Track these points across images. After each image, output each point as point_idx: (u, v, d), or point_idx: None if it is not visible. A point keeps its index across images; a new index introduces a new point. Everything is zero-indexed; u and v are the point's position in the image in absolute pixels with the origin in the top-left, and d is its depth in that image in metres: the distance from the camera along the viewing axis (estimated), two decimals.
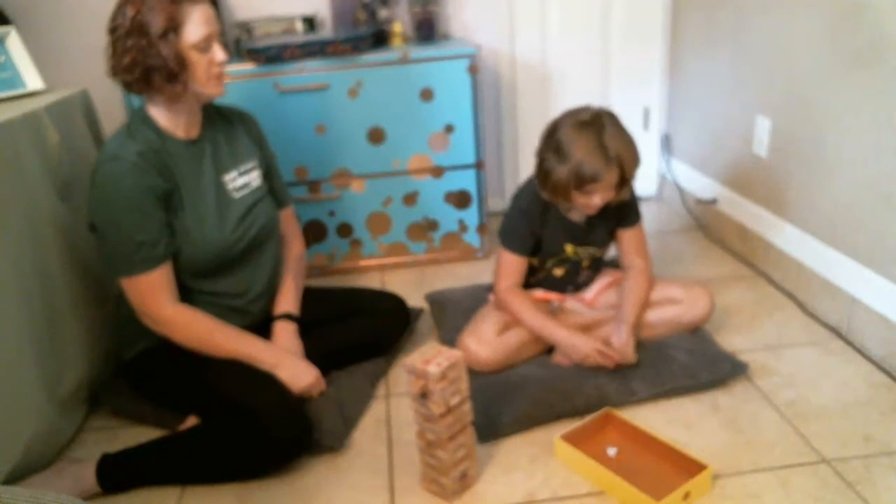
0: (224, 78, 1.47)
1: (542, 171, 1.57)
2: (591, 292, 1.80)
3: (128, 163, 1.39)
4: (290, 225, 1.77)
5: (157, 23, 1.35)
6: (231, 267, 1.55)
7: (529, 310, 1.66)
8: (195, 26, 1.38)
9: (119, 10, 1.38)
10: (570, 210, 1.67)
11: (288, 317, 1.65)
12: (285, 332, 1.63)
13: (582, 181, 1.50)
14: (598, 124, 1.52)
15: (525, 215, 1.66)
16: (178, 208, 1.46)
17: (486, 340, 1.64)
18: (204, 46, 1.40)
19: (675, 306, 1.72)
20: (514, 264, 1.69)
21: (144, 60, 1.37)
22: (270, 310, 1.66)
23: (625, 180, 1.56)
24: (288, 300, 1.67)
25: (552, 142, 1.55)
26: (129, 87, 1.42)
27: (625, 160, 1.51)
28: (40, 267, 1.48)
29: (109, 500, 1.40)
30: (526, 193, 1.68)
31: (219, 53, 1.43)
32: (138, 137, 1.42)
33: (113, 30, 1.39)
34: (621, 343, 1.60)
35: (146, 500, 1.40)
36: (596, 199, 1.55)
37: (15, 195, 1.42)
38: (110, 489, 1.41)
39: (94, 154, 1.81)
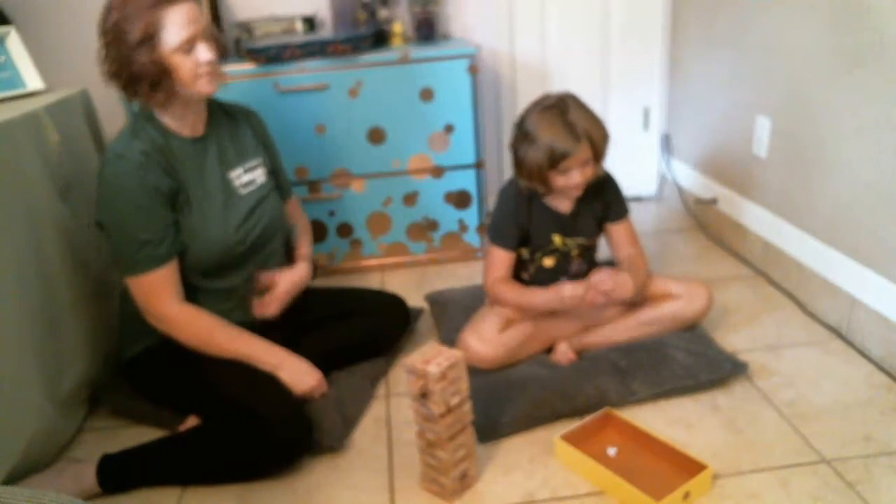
0: (217, 75, 1.44)
1: (518, 161, 1.64)
2: (588, 293, 1.79)
3: (132, 162, 1.39)
4: (295, 210, 1.80)
5: (133, 31, 1.33)
6: (237, 264, 1.55)
7: (516, 290, 1.70)
8: (175, 29, 1.35)
9: (105, 15, 1.37)
10: (554, 197, 1.70)
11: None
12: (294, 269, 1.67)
13: (555, 160, 1.56)
14: (561, 106, 1.58)
15: (510, 209, 1.70)
16: (185, 206, 1.46)
17: (487, 338, 1.65)
18: (187, 48, 1.38)
19: (674, 302, 1.72)
20: (501, 259, 1.72)
21: (127, 68, 1.36)
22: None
23: (597, 155, 1.61)
24: (303, 246, 1.75)
25: (521, 131, 1.62)
26: (122, 91, 1.42)
27: (593, 134, 1.57)
28: (40, 267, 1.48)
29: (109, 501, 1.40)
30: (510, 188, 1.72)
31: (203, 53, 1.39)
32: (142, 136, 1.43)
33: (101, 35, 1.38)
34: (617, 275, 1.62)
35: (146, 500, 1.40)
36: (575, 177, 1.59)
37: (15, 195, 1.42)
38: (110, 489, 1.41)
39: (94, 154, 1.81)
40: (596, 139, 1.58)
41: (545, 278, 1.78)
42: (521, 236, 1.72)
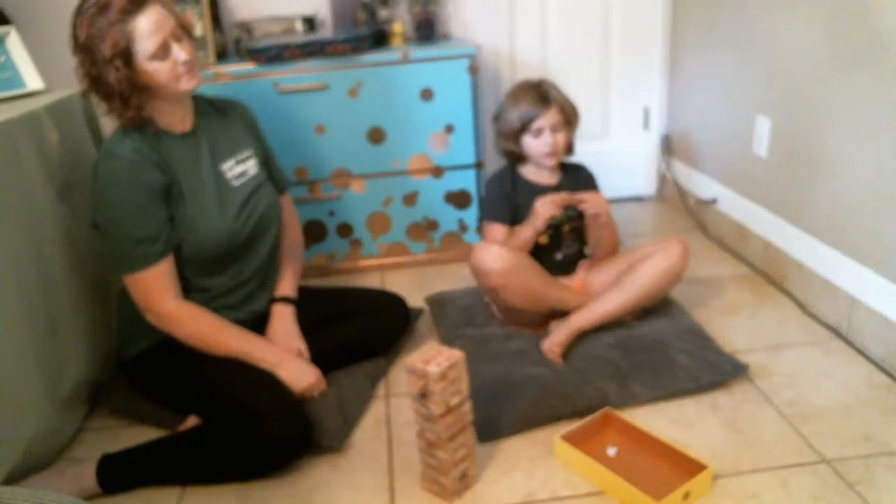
0: (193, 71, 1.43)
1: (497, 129, 1.84)
2: (576, 279, 1.86)
3: (124, 160, 1.39)
4: (287, 212, 1.77)
5: (103, 49, 1.32)
6: (234, 258, 1.56)
7: (511, 238, 1.80)
8: (145, 39, 1.34)
9: (73, 34, 1.36)
10: (536, 172, 1.85)
11: (286, 300, 1.66)
12: (282, 316, 1.64)
13: (527, 120, 1.76)
14: (536, 82, 1.81)
15: (497, 184, 1.86)
16: (180, 200, 1.46)
17: (499, 240, 1.74)
18: (162, 54, 1.37)
19: (649, 259, 1.75)
20: (496, 233, 1.83)
21: (101, 83, 1.36)
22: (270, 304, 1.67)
23: (568, 121, 1.80)
24: (286, 284, 1.69)
25: (501, 103, 1.84)
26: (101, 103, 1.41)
27: (562, 102, 1.79)
28: (40, 267, 1.48)
29: (109, 500, 1.40)
30: (496, 171, 1.91)
31: (179, 54, 1.39)
32: (133, 134, 1.43)
33: (73, 52, 1.37)
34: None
35: (146, 500, 1.40)
36: (546, 137, 1.77)
37: (15, 195, 1.42)
38: (110, 489, 1.41)
39: (94, 154, 1.80)
40: (565, 106, 1.79)
41: (541, 256, 1.82)
42: (511, 212, 1.83)
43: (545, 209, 1.72)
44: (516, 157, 1.85)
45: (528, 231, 1.75)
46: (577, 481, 1.36)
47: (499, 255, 1.67)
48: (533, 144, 1.78)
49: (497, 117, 1.84)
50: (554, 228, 1.81)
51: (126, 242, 1.41)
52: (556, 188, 1.83)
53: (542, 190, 1.82)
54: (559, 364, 1.65)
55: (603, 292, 1.77)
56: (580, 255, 1.90)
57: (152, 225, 1.42)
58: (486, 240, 1.84)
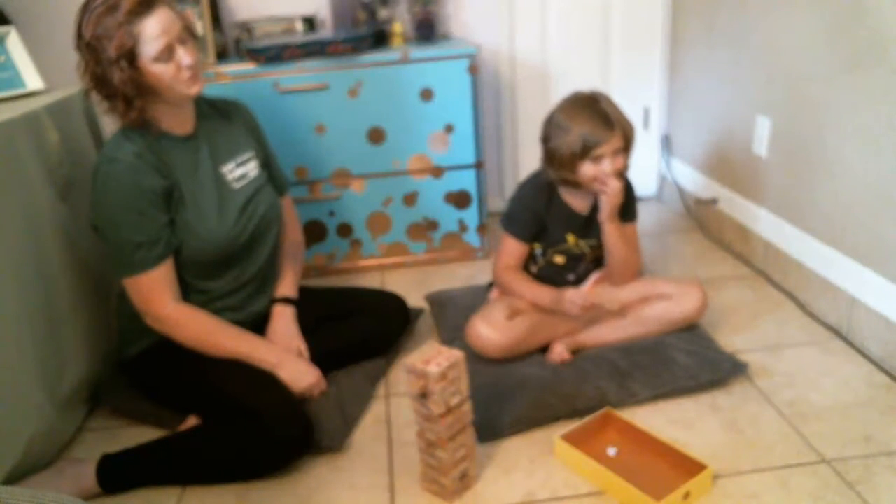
0: (197, 76, 1.42)
1: (549, 151, 1.66)
2: (586, 287, 1.81)
3: (125, 164, 1.39)
4: (287, 212, 1.77)
5: (109, 49, 1.31)
6: (234, 261, 1.55)
7: (524, 282, 1.73)
8: (151, 41, 1.33)
9: (78, 32, 1.35)
10: (573, 196, 1.72)
11: (286, 300, 1.66)
12: (283, 316, 1.64)
13: (588, 147, 1.59)
14: (592, 99, 1.64)
15: (529, 200, 1.73)
16: (180, 204, 1.46)
17: (496, 323, 1.65)
18: (167, 56, 1.36)
19: (664, 301, 1.72)
20: (514, 249, 1.74)
21: (105, 83, 1.36)
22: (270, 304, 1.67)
23: (627, 146, 1.64)
24: (286, 284, 1.69)
25: (553, 123, 1.65)
26: (103, 102, 1.41)
27: (624, 124, 1.62)
28: (40, 267, 1.48)
29: (109, 500, 1.40)
30: (532, 180, 1.76)
31: (184, 58, 1.38)
32: (134, 137, 1.42)
33: (77, 50, 1.37)
34: (603, 289, 1.66)
35: (146, 500, 1.40)
36: (606, 166, 1.61)
37: (15, 195, 1.42)
38: (110, 489, 1.41)
39: (94, 154, 1.81)
40: (627, 129, 1.63)
41: (553, 274, 1.78)
42: (537, 229, 1.72)
43: (571, 310, 1.63)
44: (567, 183, 1.68)
45: (546, 302, 1.68)
46: (577, 481, 1.36)
47: (495, 342, 1.64)
48: (590, 170, 1.61)
49: (547, 138, 1.65)
50: (574, 256, 1.76)
51: (125, 246, 1.41)
52: (588, 215, 1.73)
53: (575, 216, 1.73)
54: (558, 365, 1.65)
55: (608, 318, 1.74)
56: (593, 269, 1.85)
57: (152, 229, 1.42)
58: (500, 253, 1.74)
